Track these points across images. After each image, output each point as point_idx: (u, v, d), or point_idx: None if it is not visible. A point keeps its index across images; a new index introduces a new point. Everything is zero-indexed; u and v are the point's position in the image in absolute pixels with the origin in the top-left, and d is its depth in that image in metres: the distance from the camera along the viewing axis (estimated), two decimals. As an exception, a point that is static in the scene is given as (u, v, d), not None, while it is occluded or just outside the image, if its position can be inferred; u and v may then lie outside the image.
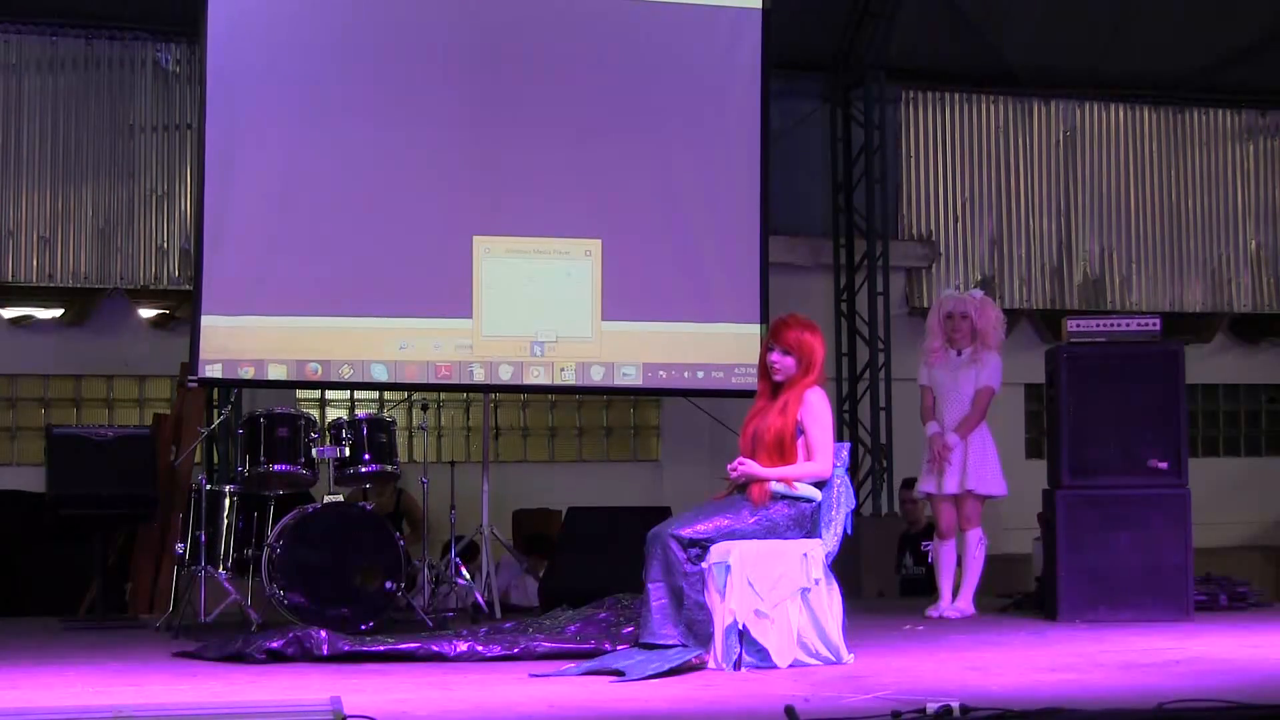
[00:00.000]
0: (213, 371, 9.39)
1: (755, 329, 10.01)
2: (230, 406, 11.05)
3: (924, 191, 13.59)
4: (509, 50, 9.85)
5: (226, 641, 7.15)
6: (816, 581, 6.63)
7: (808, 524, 6.79)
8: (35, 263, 11.60)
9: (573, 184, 9.92)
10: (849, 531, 6.86)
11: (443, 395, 12.24)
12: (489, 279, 9.76)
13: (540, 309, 9.85)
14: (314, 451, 8.62)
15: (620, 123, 10.04)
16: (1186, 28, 13.68)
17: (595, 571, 8.75)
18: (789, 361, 6.89)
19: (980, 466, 8.71)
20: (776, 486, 6.74)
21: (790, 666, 6.49)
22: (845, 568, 9.80)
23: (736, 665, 6.46)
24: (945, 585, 8.78)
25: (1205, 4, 13.53)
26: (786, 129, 12.82)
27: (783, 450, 6.77)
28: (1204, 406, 14.56)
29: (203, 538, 8.36)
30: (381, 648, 6.96)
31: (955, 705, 4.91)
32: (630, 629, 6.90)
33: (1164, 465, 8.39)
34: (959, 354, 8.88)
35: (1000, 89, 13.74)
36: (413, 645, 6.98)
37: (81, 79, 11.69)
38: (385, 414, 9.60)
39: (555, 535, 10.26)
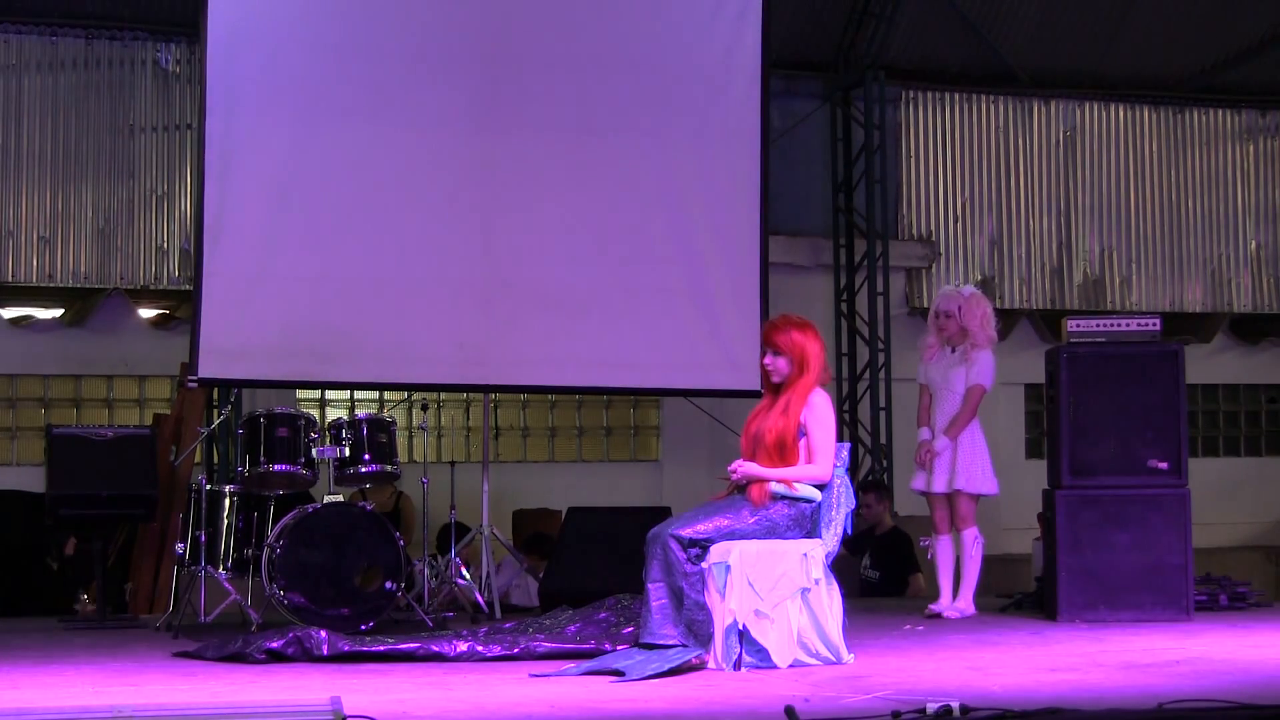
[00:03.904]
0: (213, 371, 9.37)
1: (755, 329, 10.00)
2: (230, 406, 11.05)
3: (924, 191, 13.60)
4: (507, 49, 9.84)
5: (226, 641, 7.15)
6: (816, 581, 6.62)
7: (808, 524, 6.79)
8: (35, 263, 11.61)
9: (572, 183, 9.92)
10: (849, 531, 6.87)
11: (443, 395, 12.24)
12: (491, 278, 9.75)
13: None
14: (314, 451, 8.61)
15: (620, 122, 10.03)
16: (1186, 28, 13.69)
17: (595, 571, 8.74)
18: (781, 363, 6.88)
19: (969, 465, 8.67)
20: (776, 487, 6.74)
21: (790, 666, 6.49)
22: (845, 568, 9.82)
23: (736, 665, 6.45)
24: (944, 583, 8.76)
25: (1205, 4, 13.54)
26: (786, 129, 12.82)
27: (783, 452, 6.76)
28: (1204, 406, 14.56)
29: (203, 538, 8.35)
30: (381, 648, 6.95)
31: (955, 705, 4.91)
32: (630, 629, 6.90)
33: (1164, 465, 8.38)
34: (953, 351, 8.87)
35: (1000, 89, 13.74)
36: (413, 645, 6.98)
37: (81, 79, 11.69)
38: (385, 414, 9.59)
39: (556, 535, 10.26)
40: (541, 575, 9.77)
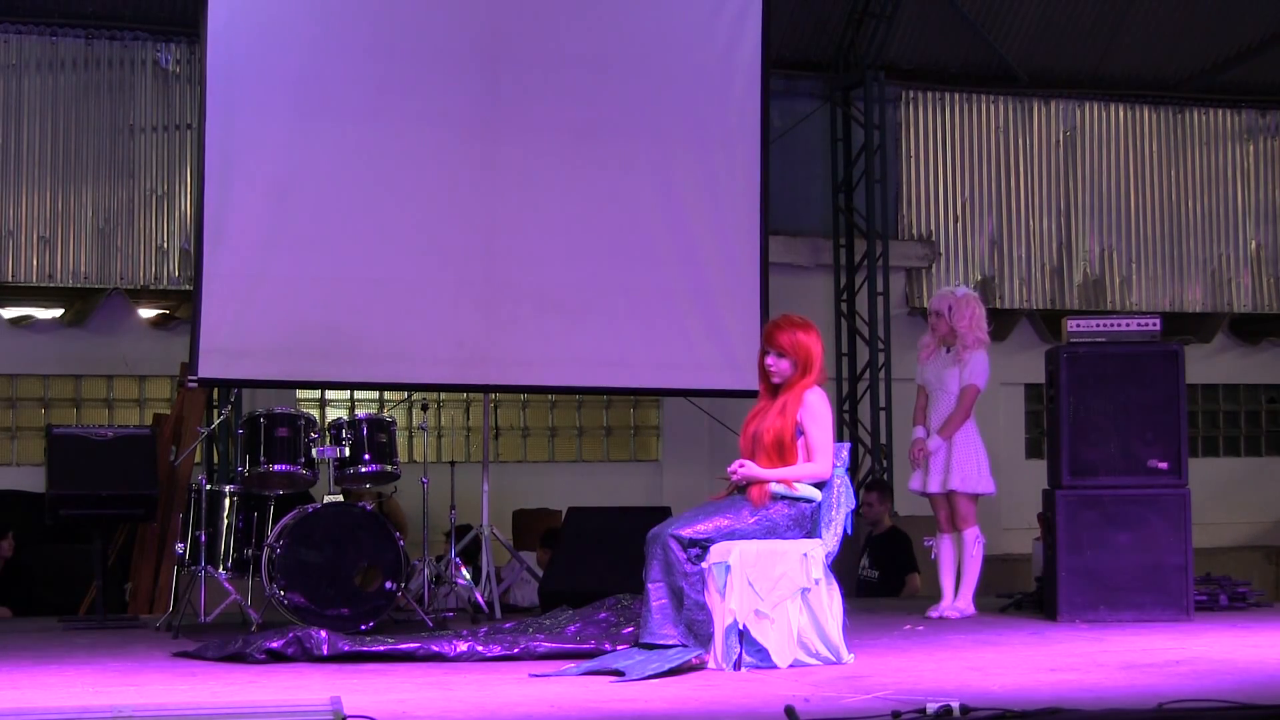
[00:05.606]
0: (213, 371, 9.37)
1: (755, 329, 10.00)
2: (230, 406, 11.05)
3: (924, 191, 13.60)
4: (507, 50, 9.85)
5: (226, 641, 7.15)
6: (816, 581, 6.62)
7: (808, 524, 6.79)
8: (35, 263, 11.61)
9: (573, 182, 9.92)
10: (849, 531, 6.86)
11: (443, 395, 12.24)
12: (491, 279, 9.75)
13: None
14: (314, 451, 8.61)
15: (620, 122, 10.04)
16: (1186, 28, 13.69)
17: (595, 571, 8.74)
18: (784, 364, 6.87)
19: (962, 465, 8.65)
20: (776, 487, 6.74)
21: (790, 666, 6.49)
22: (845, 568, 9.81)
23: (736, 665, 6.45)
24: (946, 583, 8.74)
25: (1205, 4, 13.54)
26: (786, 129, 12.82)
27: (782, 451, 6.76)
28: (1204, 406, 14.57)
29: (203, 538, 8.36)
30: (381, 648, 6.95)
31: (955, 705, 4.91)
32: (630, 629, 6.90)
33: (1164, 465, 8.38)
34: (947, 352, 8.86)
35: (1000, 89, 13.75)
36: (413, 645, 6.98)
37: (81, 79, 11.69)
38: (385, 414, 9.59)
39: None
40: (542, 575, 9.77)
